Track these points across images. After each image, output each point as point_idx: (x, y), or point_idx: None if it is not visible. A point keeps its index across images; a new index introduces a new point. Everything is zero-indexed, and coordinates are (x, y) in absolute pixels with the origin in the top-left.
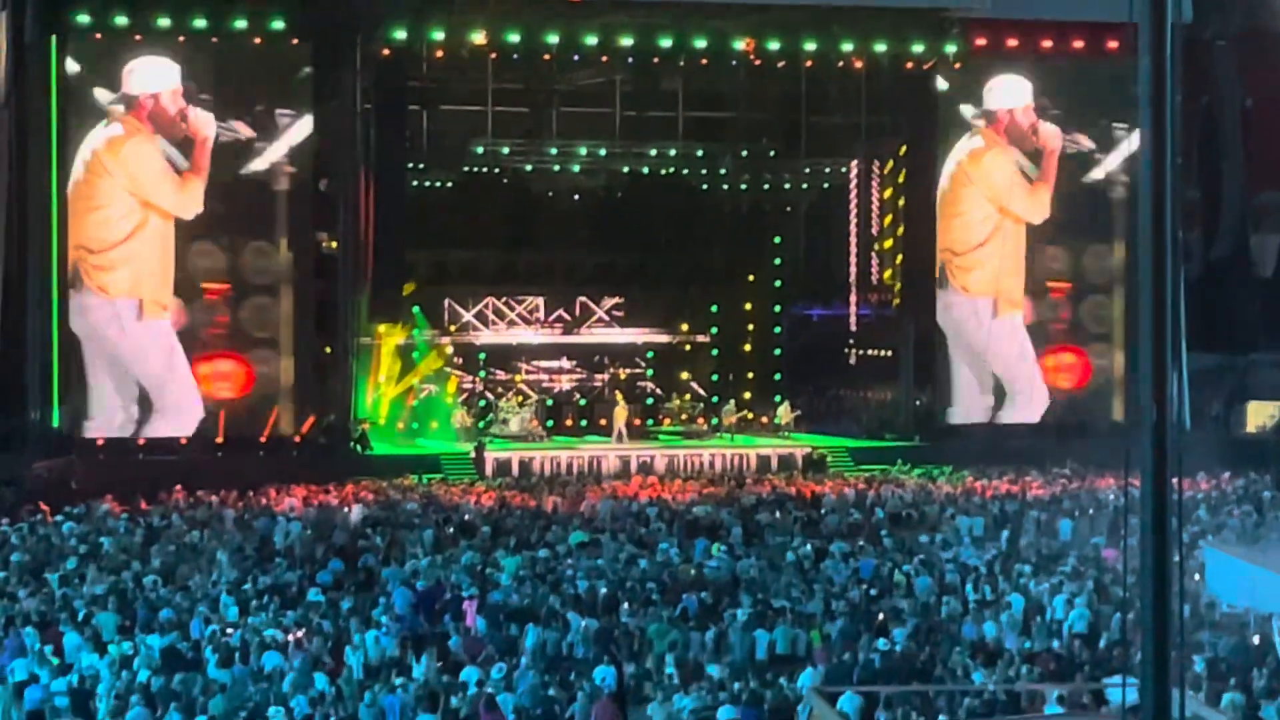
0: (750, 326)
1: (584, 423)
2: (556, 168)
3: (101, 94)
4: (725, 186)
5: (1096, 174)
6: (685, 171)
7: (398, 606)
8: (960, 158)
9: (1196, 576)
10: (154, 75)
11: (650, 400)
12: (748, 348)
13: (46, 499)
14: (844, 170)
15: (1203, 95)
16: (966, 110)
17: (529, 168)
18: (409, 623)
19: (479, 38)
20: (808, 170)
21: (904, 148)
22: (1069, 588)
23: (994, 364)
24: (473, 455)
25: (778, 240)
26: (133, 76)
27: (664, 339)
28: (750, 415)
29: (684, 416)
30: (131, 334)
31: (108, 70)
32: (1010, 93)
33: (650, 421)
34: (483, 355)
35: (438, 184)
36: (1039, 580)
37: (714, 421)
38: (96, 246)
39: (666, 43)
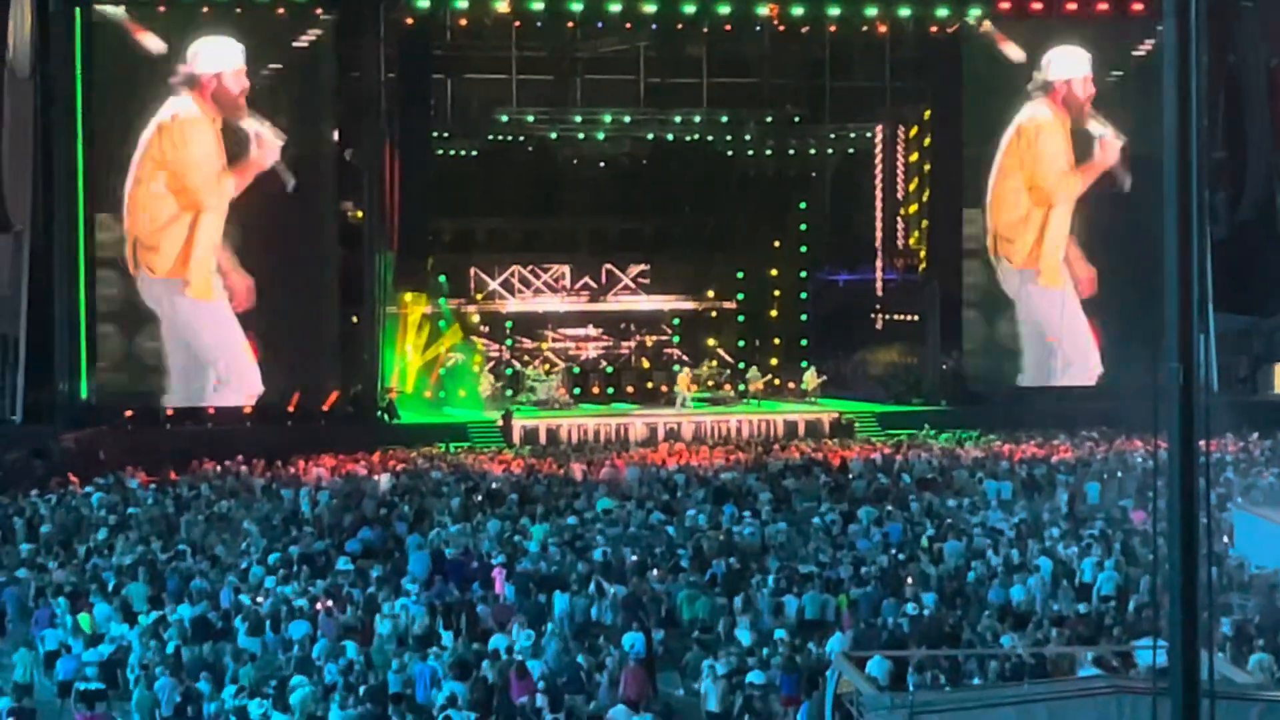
0: (776, 292)
1: (610, 390)
2: (581, 135)
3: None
4: (750, 152)
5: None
6: (710, 138)
7: (416, 572)
8: (1019, 124)
9: (1225, 538)
10: (218, 55)
11: (677, 367)
12: (774, 314)
13: (75, 470)
14: (869, 135)
15: (1228, 56)
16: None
17: (553, 135)
18: (436, 590)
19: (502, 5)
20: (833, 135)
21: (929, 111)
22: (1097, 550)
23: (1046, 329)
24: (500, 423)
25: (803, 206)
26: (198, 56)
27: (690, 306)
28: (777, 381)
29: (710, 383)
30: (182, 310)
31: (132, 42)
32: (1068, 63)
33: (675, 388)
34: (509, 323)
35: (462, 152)
36: (1067, 544)
37: (740, 387)
38: (145, 227)
39: (690, 9)
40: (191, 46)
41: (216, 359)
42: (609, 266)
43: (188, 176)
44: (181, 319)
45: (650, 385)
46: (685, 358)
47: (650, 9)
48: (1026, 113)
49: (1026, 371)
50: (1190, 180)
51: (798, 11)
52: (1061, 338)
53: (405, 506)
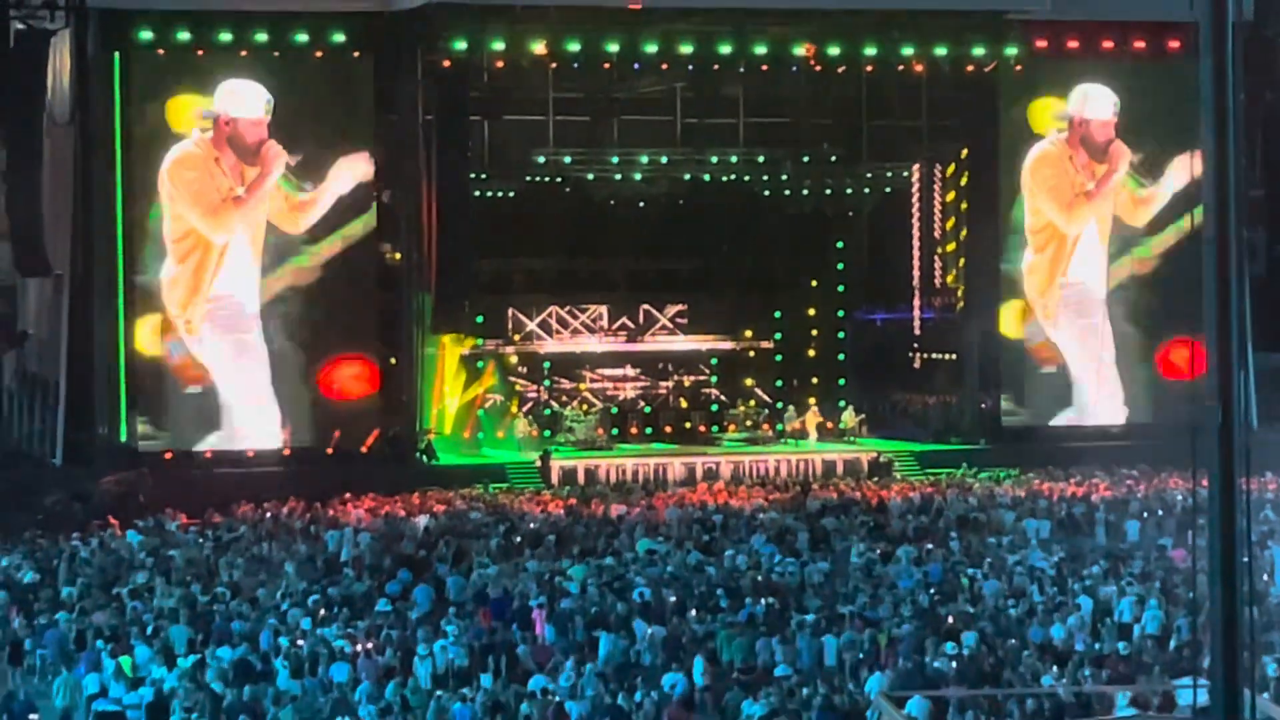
0: (814, 332)
1: (649, 429)
2: (618, 176)
3: (180, 109)
4: (787, 192)
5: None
6: (747, 178)
7: (454, 613)
8: (1030, 161)
9: (1265, 576)
10: (238, 99)
11: (715, 407)
12: (812, 353)
13: (116, 513)
14: (905, 174)
15: (1265, 93)
16: (1048, 112)
17: (590, 176)
18: (475, 631)
19: (539, 47)
20: (869, 175)
21: (965, 150)
22: (1137, 589)
23: (1071, 367)
24: (538, 464)
25: (840, 245)
26: (220, 97)
27: (728, 346)
28: (817, 420)
29: (749, 423)
30: (221, 352)
31: (170, 87)
32: (1093, 102)
33: (715, 428)
34: (547, 364)
35: (500, 194)
36: (1107, 582)
37: (779, 427)
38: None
39: (727, 49)
40: (218, 88)
41: (254, 401)
42: (646, 307)
43: (196, 215)
44: (220, 361)
45: (688, 425)
46: (813, 399)
47: (686, 50)
48: (1040, 147)
49: (1065, 410)
50: (1228, 217)
51: (834, 51)
52: (1098, 375)
53: (444, 548)
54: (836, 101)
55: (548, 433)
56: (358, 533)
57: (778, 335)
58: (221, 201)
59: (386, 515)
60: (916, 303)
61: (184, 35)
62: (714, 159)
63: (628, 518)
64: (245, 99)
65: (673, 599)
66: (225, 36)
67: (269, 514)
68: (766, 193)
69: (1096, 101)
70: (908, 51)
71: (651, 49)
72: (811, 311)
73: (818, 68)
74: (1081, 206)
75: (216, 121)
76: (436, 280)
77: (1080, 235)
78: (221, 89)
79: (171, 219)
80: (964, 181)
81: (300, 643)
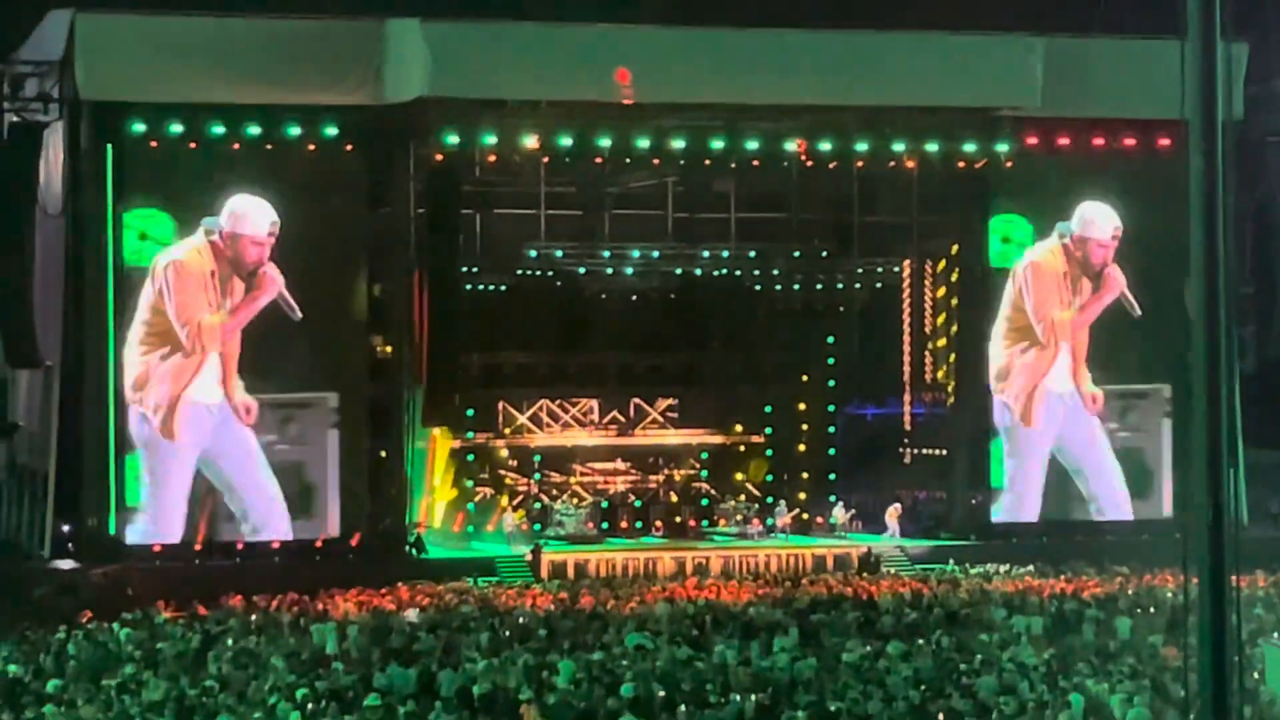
0: (804, 426)
1: (639, 524)
2: (610, 270)
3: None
4: (778, 287)
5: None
6: (738, 272)
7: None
8: (1026, 262)
9: (1255, 674)
10: (241, 216)
11: (705, 501)
12: (802, 448)
13: (103, 605)
14: (896, 269)
15: (1254, 191)
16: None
17: (582, 270)
18: None
19: (531, 141)
20: (860, 270)
21: (956, 246)
22: (1128, 686)
23: (1067, 462)
24: (529, 558)
25: (831, 340)
26: (225, 210)
27: (718, 440)
28: (805, 515)
29: (739, 517)
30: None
31: (162, 180)
32: (1095, 222)
33: (705, 523)
34: (537, 457)
35: (491, 287)
36: (1098, 680)
37: (769, 522)
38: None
39: (718, 144)
40: (227, 204)
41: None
42: (637, 401)
43: (182, 317)
44: (207, 455)
45: (679, 519)
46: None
47: (678, 144)
48: (1035, 252)
49: (1055, 506)
50: (1218, 314)
51: (825, 147)
52: (1087, 472)
53: (433, 641)
54: (828, 197)
55: (538, 526)
56: (346, 626)
57: (768, 430)
58: (209, 313)
59: (375, 608)
60: (907, 398)
61: (177, 128)
62: (705, 253)
63: (617, 612)
64: (250, 218)
65: (662, 694)
66: (218, 129)
67: (258, 607)
68: (758, 287)
69: (1097, 222)
70: (899, 147)
71: (643, 144)
72: (802, 406)
73: (809, 163)
74: (1065, 321)
75: (220, 235)
76: (427, 373)
77: (1059, 350)
78: (228, 205)
79: (154, 316)
80: (955, 277)
81: None
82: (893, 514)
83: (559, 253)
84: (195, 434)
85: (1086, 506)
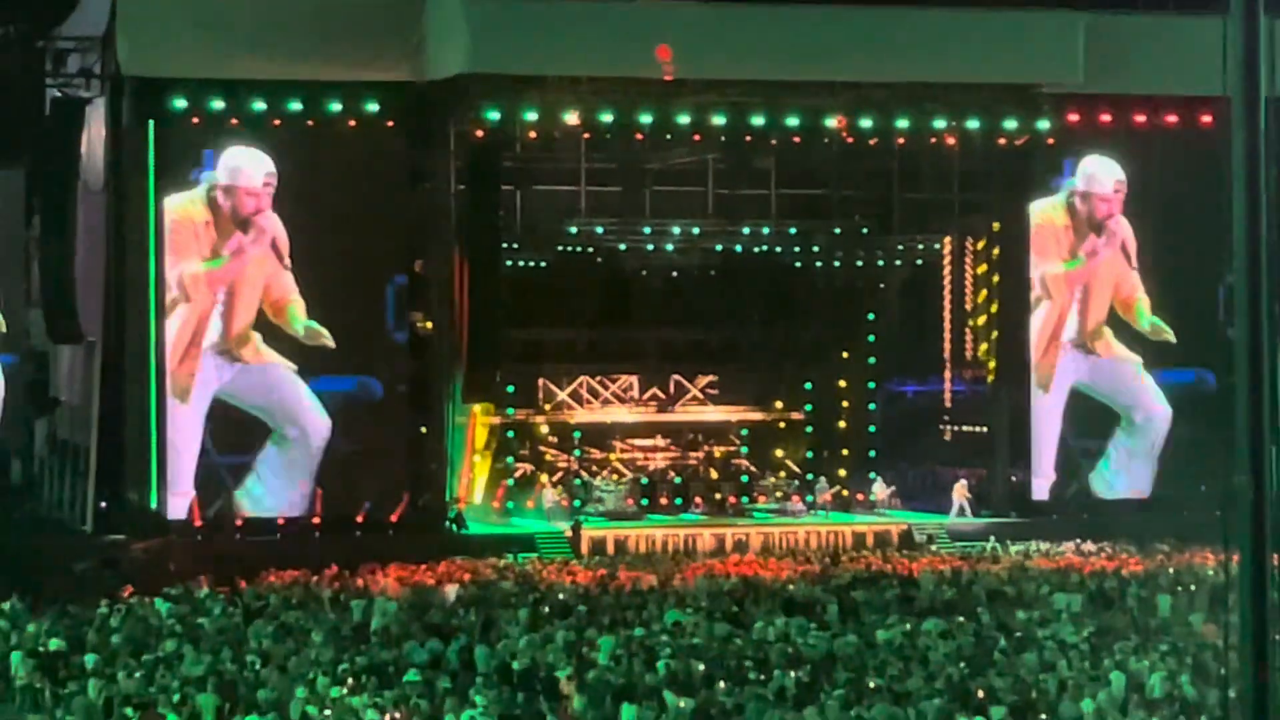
0: (845, 403)
1: (678, 500)
2: (650, 247)
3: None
4: (818, 264)
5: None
6: (779, 249)
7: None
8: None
9: None
10: (236, 166)
11: (745, 478)
12: (842, 425)
13: (145, 580)
14: (937, 247)
15: None
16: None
17: (623, 247)
18: (504, 701)
19: (572, 118)
20: (901, 247)
21: (997, 224)
22: (1168, 663)
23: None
24: (568, 534)
25: (871, 317)
26: (220, 162)
27: (758, 417)
28: (845, 492)
29: (779, 494)
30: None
31: (201, 156)
32: (1097, 176)
33: (745, 499)
34: (577, 434)
35: (532, 264)
36: (1138, 657)
37: (809, 499)
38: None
39: (759, 121)
40: (223, 156)
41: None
42: (677, 377)
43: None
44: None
45: (718, 496)
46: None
47: (719, 121)
48: (1038, 207)
49: (1096, 483)
50: (1260, 293)
51: (866, 123)
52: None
53: (472, 617)
54: (869, 173)
55: (578, 502)
56: (386, 601)
57: (808, 406)
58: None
59: (415, 584)
60: (947, 375)
61: (218, 104)
62: (746, 230)
63: (657, 588)
64: (245, 169)
65: (701, 670)
66: (259, 105)
67: (298, 582)
68: (798, 264)
69: (1098, 173)
70: (940, 124)
71: (684, 120)
72: (842, 383)
73: (850, 140)
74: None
75: (217, 187)
76: (467, 349)
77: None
78: (224, 157)
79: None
80: (995, 254)
81: (328, 712)
82: (960, 490)
83: (599, 229)
84: (205, 394)
85: (1128, 482)
